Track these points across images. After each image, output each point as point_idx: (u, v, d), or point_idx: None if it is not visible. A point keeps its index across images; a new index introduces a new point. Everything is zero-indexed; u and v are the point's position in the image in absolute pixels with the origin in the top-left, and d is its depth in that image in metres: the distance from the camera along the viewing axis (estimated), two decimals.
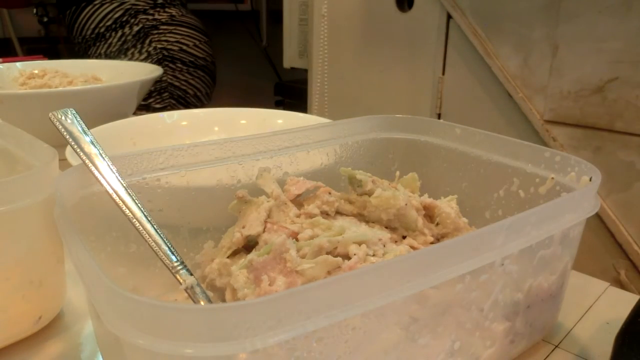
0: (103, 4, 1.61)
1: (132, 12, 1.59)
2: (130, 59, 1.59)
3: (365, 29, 1.14)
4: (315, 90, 1.27)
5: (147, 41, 1.59)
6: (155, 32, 1.60)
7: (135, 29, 1.59)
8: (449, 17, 0.96)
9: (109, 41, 1.61)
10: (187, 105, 1.70)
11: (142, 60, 1.55)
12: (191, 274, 0.32)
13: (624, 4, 0.73)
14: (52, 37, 2.25)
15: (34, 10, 2.15)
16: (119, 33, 1.60)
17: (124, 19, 1.59)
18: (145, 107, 1.59)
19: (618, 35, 0.75)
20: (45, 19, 2.20)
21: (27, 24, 2.22)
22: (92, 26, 1.62)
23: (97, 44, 1.62)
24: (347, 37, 1.18)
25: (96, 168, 0.34)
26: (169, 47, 1.62)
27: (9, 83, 0.97)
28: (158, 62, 1.57)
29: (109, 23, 1.60)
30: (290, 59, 1.45)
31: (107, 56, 1.61)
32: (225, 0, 2.35)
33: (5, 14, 2.11)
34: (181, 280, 0.31)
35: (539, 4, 0.83)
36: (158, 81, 1.53)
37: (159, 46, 1.60)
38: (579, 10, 0.78)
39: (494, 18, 0.89)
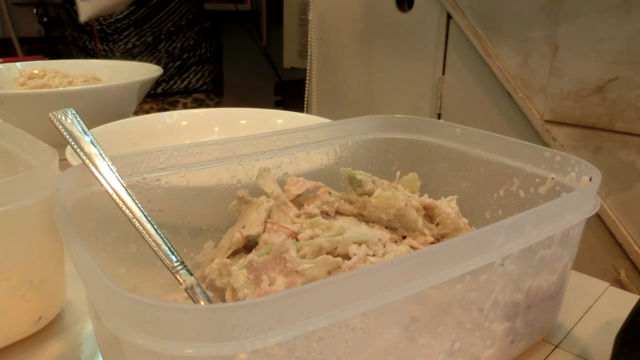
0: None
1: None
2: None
3: (365, 29, 1.14)
4: (316, 90, 1.27)
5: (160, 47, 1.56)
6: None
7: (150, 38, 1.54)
8: (449, 17, 0.96)
9: (124, 42, 1.55)
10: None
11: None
12: (191, 274, 0.32)
13: (624, 4, 0.73)
14: (52, 37, 2.25)
15: (34, 10, 2.14)
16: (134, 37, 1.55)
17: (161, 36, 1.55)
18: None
19: (618, 35, 0.75)
20: (45, 19, 2.20)
21: (27, 24, 2.21)
22: (112, 20, 1.52)
23: (114, 38, 1.54)
24: (347, 37, 1.18)
25: (96, 168, 0.34)
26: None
27: (9, 83, 0.97)
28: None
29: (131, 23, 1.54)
30: (290, 59, 1.45)
31: (114, 56, 1.55)
32: (225, 0, 2.35)
33: (5, 14, 2.11)
34: (181, 280, 0.31)
35: (539, 4, 0.83)
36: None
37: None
38: (579, 10, 0.78)
39: (494, 18, 0.89)
